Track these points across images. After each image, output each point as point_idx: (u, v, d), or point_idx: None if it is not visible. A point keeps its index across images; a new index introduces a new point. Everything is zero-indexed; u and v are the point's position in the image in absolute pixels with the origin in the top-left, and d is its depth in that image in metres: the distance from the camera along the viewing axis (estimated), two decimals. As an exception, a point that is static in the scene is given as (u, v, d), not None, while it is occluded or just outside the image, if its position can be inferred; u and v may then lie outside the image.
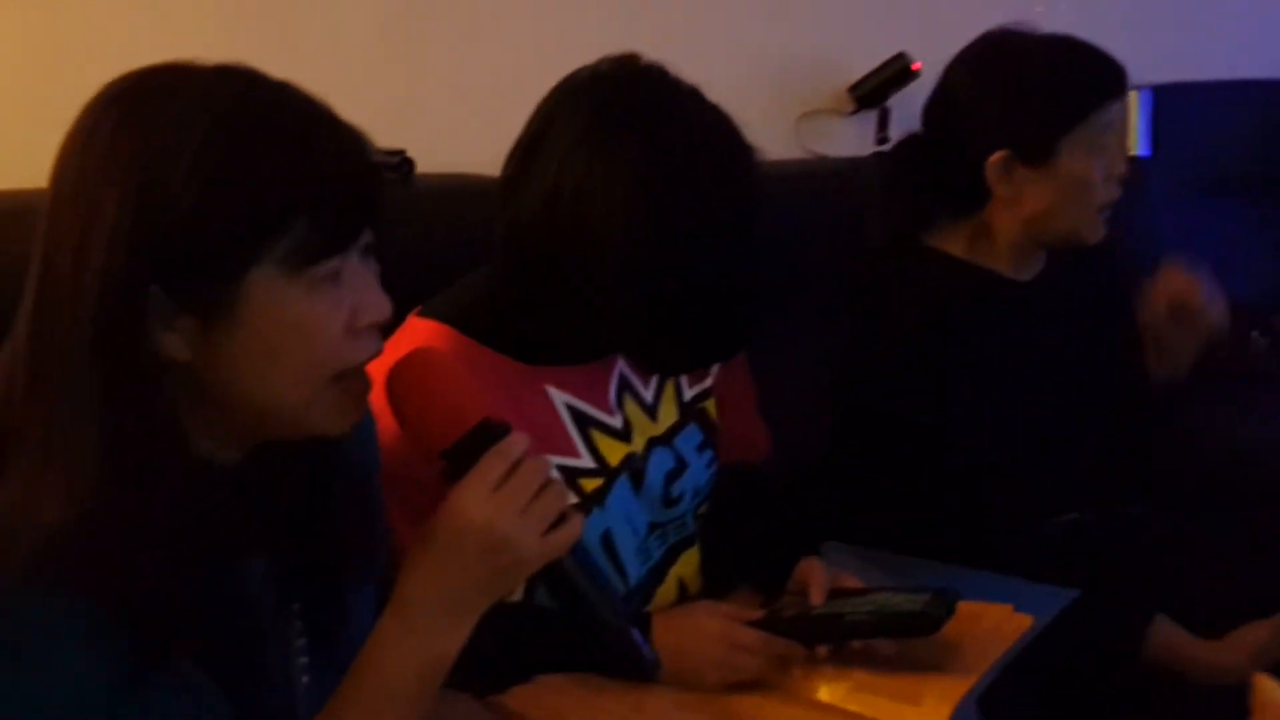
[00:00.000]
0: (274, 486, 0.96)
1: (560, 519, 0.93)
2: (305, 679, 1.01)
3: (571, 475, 1.33)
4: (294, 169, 0.85)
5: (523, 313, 1.31)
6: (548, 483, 0.93)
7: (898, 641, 1.30)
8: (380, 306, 0.92)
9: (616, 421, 1.39)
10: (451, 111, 2.06)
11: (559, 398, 1.35)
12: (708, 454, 1.48)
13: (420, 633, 0.92)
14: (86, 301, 0.83)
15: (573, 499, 1.32)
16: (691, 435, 1.46)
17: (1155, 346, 1.70)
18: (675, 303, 1.25)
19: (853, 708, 1.25)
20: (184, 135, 0.83)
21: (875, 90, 2.27)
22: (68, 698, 0.82)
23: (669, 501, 1.42)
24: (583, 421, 1.36)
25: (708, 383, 1.50)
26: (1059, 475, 1.69)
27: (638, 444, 1.40)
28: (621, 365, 1.41)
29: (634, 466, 1.39)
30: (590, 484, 1.35)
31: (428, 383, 0.95)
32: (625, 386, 1.41)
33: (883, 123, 2.30)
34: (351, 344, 0.90)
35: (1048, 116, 1.59)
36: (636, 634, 1.02)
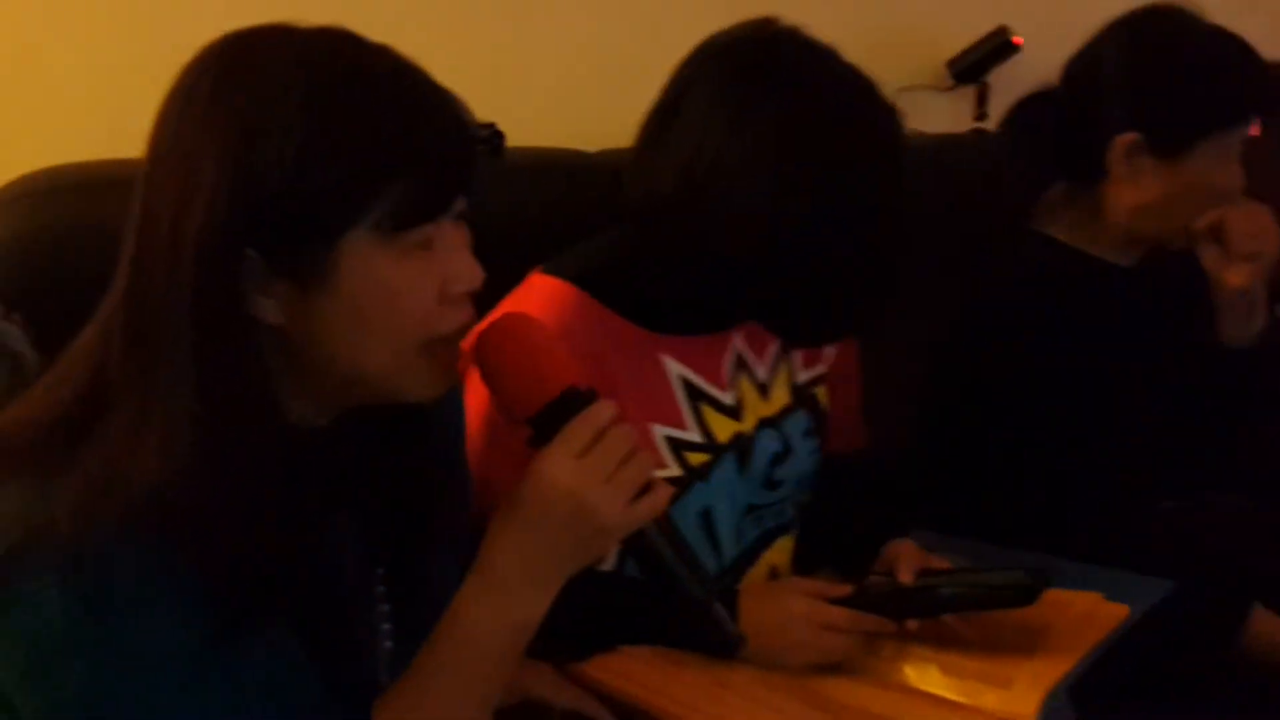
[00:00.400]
0: (362, 450, 0.97)
1: (646, 488, 0.92)
2: (388, 645, 1.02)
3: (678, 447, 1.33)
4: (391, 133, 0.85)
5: (651, 279, 1.30)
6: (634, 451, 0.92)
7: (989, 625, 1.27)
8: (472, 275, 0.91)
9: (728, 398, 1.38)
10: (543, 85, 2.05)
11: (674, 368, 1.34)
12: (813, 441, 1.46)
13: (503, 599, 0.91)
14: (184, 264, 0.83)
15: (675, 470, 1.32)
16: (800, 421, 1.44)
17: (1220, 303, 1.61)
18: (818, 273, 1.23)
19: (941, 692, 1.23)
20: (281, 97, 0.83)
21: (974, 65, 2.22)
22: (157, 652, 0.83)
23: (770, 484, 1.41)
24: (694, 395, 1.35)
25: (821, 368, 1.48)
26: (1155, 463, 1.64)
27: (748, 423, 1.39)
28: (738, 342, 1.39)
29: (742, 446, 1.38)
30: (696, 458, 1.34)
31: (514, 348, 0.94)
32: (741, 364, 1.40)
33: (981, 99, 2.25)
34: (442, 312, 0.90)
35: (1196, 114, 1.53)
36: (721, 609, 1.01)
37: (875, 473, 1.57)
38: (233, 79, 0.85)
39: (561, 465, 0.90)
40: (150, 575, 0.83)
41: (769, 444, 1.40)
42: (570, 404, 0.92)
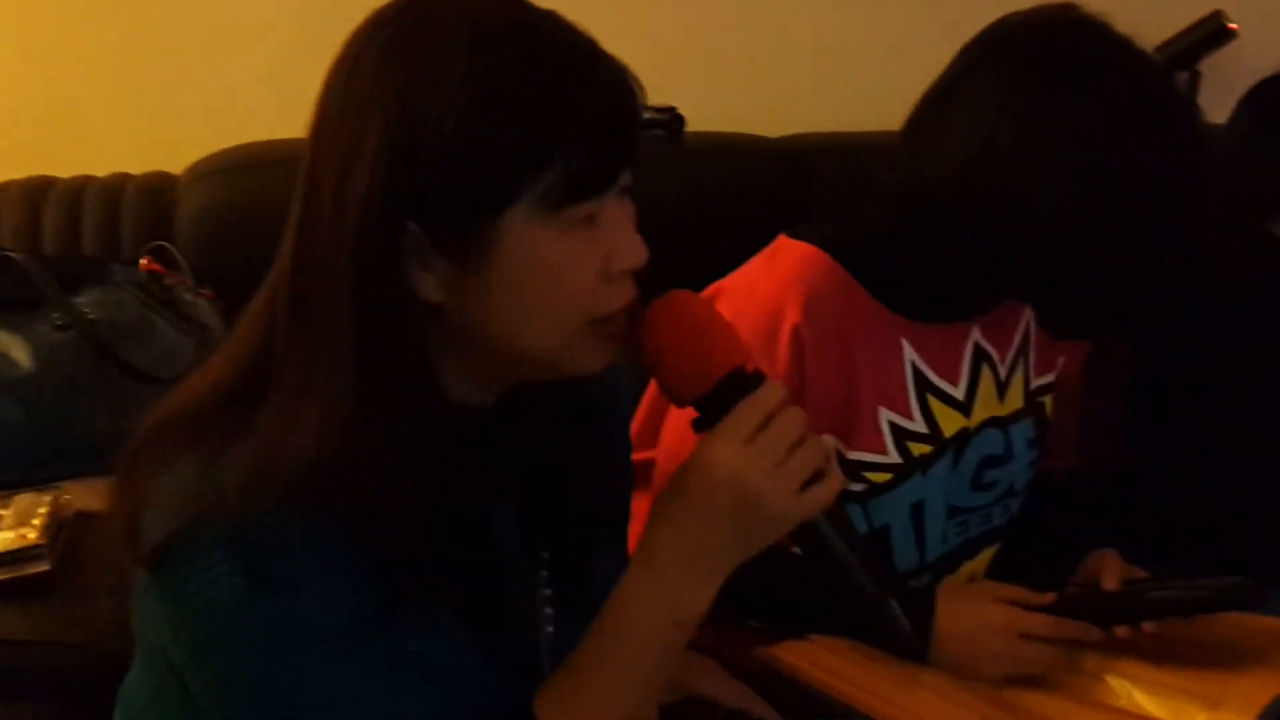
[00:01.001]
0: (524, 430, 0.95)
1: (817, 476, 0.87)
2: (550, 630, 0.99)
3: (901, 435, 1.28)
4: (557, 105, 0.82)
5: (909, 260, 1.26)
6: (804, 436, 0.87)
7: (1196, 643, 1.20)
8: (636, 251, 0.87)
9: (958, 392, 1.32)
10: (726, 69, 2.02)
11: (909, 355, 1.29)
12: (1034, 452, 1.39)
13: (666, 588, 0.88)
14: (345, 234, 0.82)
15: (895, 458, 1.28)
16: (1027, 428, 1.38)
17: None
18: (1101, 268, 1.18)
19: (1147, 709, 1.16)
20: (446, 65, 0.81)
21: (1185, 52, 2.10)
22: (321, 628, 0.82)
23: (978, 486, 1.35)
24: (922, 385, 1.30)
25: (1051, 376, 1.42)
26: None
27: (975, 419, 1.34)
28: (977, 335, 1.34)
29: (962, 441, 1.33)
30: (918, 448, 1.29)
31: (680, 327, 0.90)
32: (983, 357, 1.34)
33: (1193, 88, 2.12)
34: (605, 289, 0.87)
35: None
36: (895, 607, 0.95)
37: (1083, 495, 1.50)
38: (398, 47, 0.83)
39: (727, 450, 0.85)
40: (313, 551, 0.82)
41: (989, 444, 1.35)
42: (738, 386, 0.87)
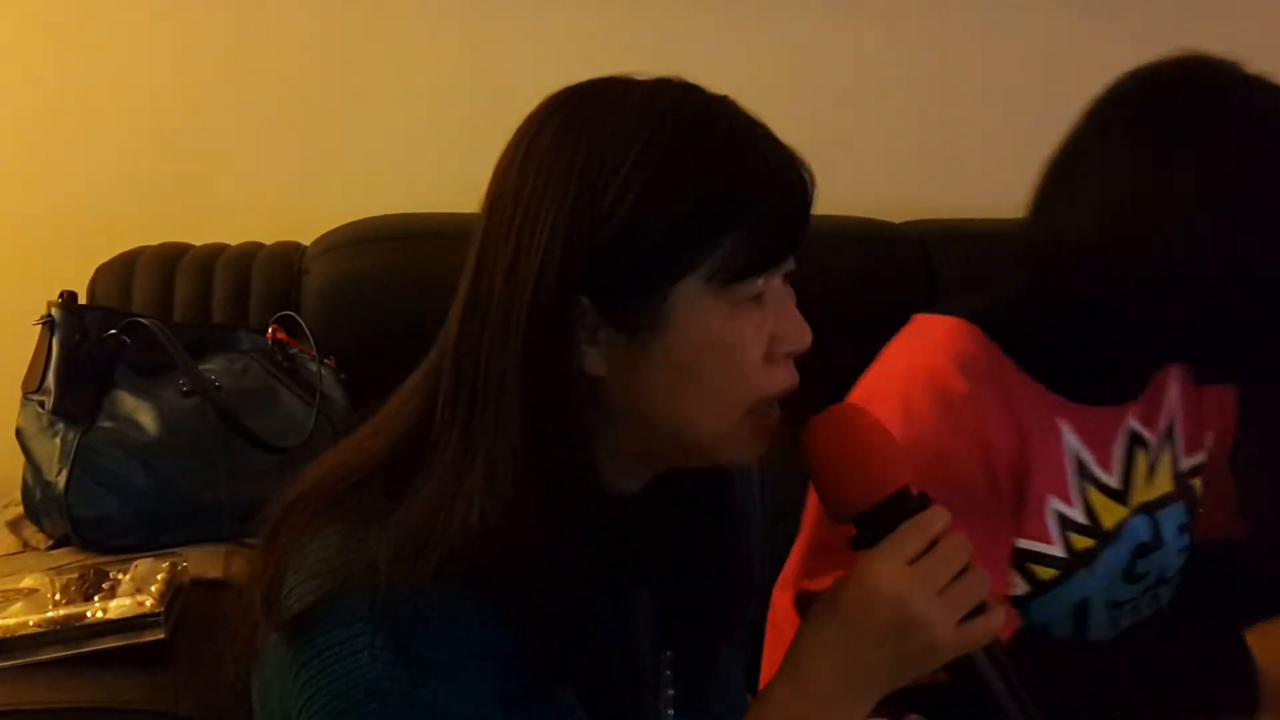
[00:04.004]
0: (668, 521, 0.93)
1: (979, 608, 0.84)
2: (671, 733, 0.97)
3: (1065, 526, 1.22)
4: (733, 180, 0.83)
5: (1062, 334, 1.20)
6: (969, 565, 0.84)
7: None
8: (801, 335, 0.87)
9: (1114, 481, 1.27)
10: (846, 151, 2.00)
11: (1069, 439, 1.24)
12: (1186, 538, 1.32)
13: (813, 707, 0.85)
14: (518, 310, 0.82)
15: (1059, 551, 1.22)
16: (1177, 513, 1.32)
17: None
18: (1265, 312, 1.11)
19: None
20: (623, 142, 0.82)
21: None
22: (455, 706, 0.80)
23: (1130, 577, 1.28)
24: (1083, 474, 1.24)
25: (1201, 456, 1.35)
26: None
27: (1131, 509, 1.28)
28: (1132, 419, 1.28)
29: (1120, 533, 1.26)
30: (1081, 542, 1.23)
31: (847, 440, 0.88)
32: (1136, 440, 1.28)
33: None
34: (768, 372, 0.86)
35: None
36: None
37: (1256, 558, 1.41)
38: (574, 127, 0.84)
39: (890, 569, 0.83)
40: (457, 631, 0.81)
41: (1138, 531, 1.28)
42: (902, 506, 0.85)
